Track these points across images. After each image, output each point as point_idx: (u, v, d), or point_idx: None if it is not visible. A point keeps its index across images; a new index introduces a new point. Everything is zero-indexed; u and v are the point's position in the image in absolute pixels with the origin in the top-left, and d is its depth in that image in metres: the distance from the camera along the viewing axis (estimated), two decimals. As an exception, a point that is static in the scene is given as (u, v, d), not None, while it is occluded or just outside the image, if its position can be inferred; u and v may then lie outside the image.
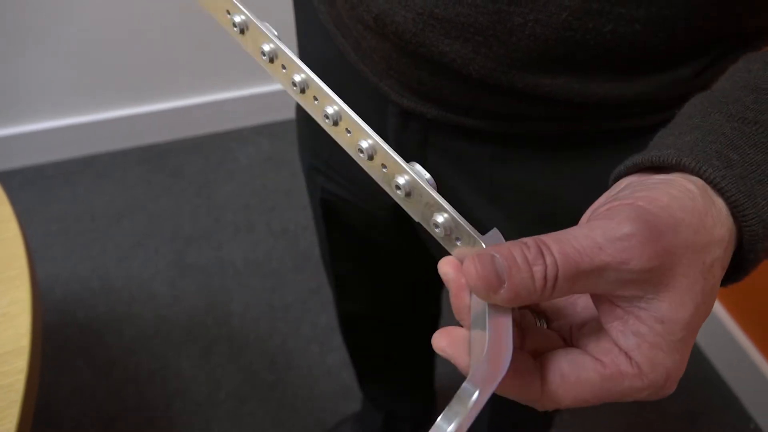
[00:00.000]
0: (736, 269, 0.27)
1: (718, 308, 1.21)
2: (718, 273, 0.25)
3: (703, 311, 0.25)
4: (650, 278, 0.23)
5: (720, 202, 0.25)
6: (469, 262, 0.23)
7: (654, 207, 0.24)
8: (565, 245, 0.23)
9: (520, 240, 0.23)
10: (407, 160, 0.27)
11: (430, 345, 0.27)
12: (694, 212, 0.24)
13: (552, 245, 0.23)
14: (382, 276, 0.75)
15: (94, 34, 1.41)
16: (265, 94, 1.66)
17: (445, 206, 0.27)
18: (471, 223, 0.27)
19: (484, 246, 0.26)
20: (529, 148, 0.42)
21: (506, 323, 0.24)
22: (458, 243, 0.27)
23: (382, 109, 0.45)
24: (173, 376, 1.19)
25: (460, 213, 0.27)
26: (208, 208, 1.49)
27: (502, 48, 0.36)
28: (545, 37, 0.34)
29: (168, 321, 1.28)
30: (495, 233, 0.26)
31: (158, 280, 1.34)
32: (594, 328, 0.26)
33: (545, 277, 0.23)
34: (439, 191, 0.26)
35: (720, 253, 0.25)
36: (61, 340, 1.23)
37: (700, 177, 0.25)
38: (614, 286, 0.24)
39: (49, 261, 1.35)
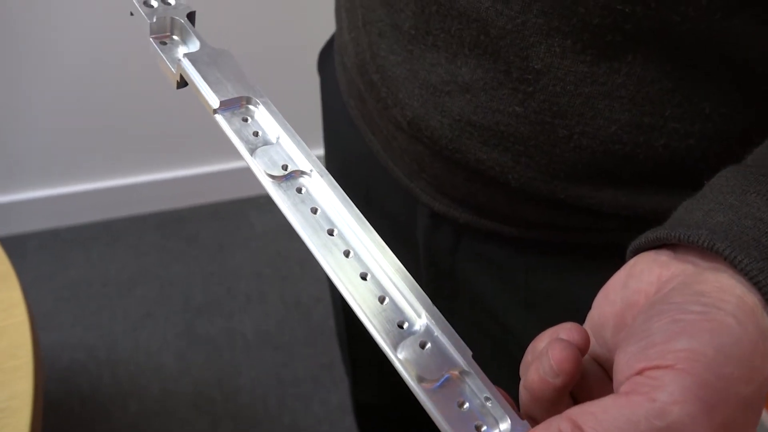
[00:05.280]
0: None
1: None
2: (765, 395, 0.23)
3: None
4: None
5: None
6: None
7: (700, 368, 0.21)
8: None
9: (556, 427, 0.21)
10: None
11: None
12: (742, 361, 0.21)
13: None
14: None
15: (113, 99, 1.44)
16: (284, 162, 1.66)
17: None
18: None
19: None
20: (569, 257, 0.40)
21: None
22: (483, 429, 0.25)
23: (411, 210, 0.43)
24: (176, 456, 1.14)
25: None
26: (221, 276, 1.47)
27: (545, 158, 0.34)
28: (592, 149, 0.33)
29: (174, 395, 1.23)
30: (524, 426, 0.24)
31: (166, 351, 1.31)
32: None
33: None
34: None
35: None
36: (63, 413, 1.18)
37: (734, 266, 0.23)
38: None
39: (56, 328, 1.33)
